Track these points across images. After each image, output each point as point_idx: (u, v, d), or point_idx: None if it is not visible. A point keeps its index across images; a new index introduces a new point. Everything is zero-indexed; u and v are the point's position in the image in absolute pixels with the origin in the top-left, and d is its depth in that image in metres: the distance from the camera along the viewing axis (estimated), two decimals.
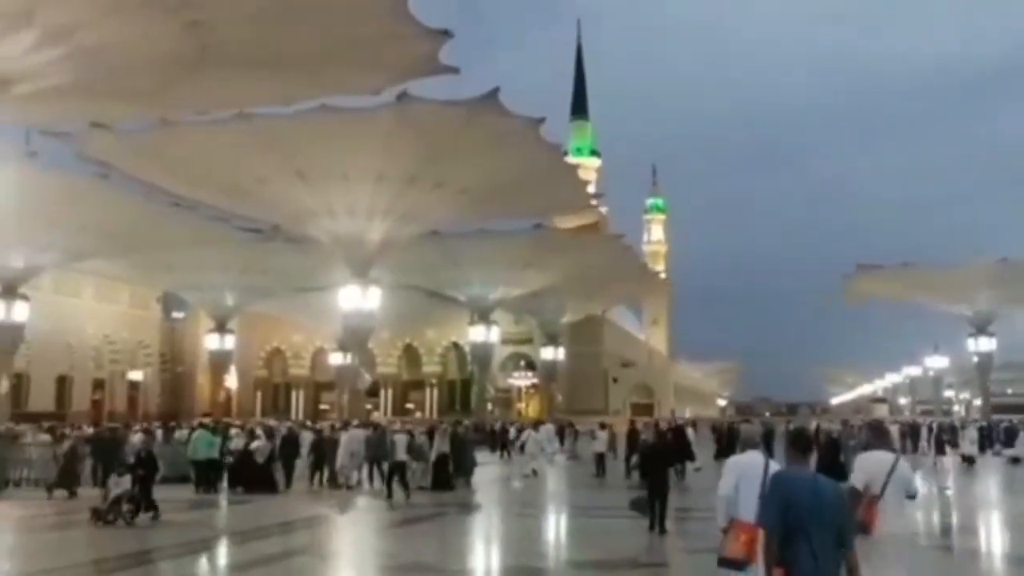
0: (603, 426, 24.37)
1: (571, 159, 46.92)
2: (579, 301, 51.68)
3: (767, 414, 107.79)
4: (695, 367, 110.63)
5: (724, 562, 5.52)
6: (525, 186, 30.00)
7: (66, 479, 19.09)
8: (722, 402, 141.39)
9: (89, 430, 23.68)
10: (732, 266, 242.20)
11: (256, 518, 15.51)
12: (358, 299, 31.05)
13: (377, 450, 20.16)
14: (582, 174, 42.95)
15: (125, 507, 13.82)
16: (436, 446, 19.71)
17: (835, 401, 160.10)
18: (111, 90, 20.13)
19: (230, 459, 20.22)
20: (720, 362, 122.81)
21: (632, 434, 22.88)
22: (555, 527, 15.63)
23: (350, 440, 20.94)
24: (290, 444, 21.46)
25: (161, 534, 13.44)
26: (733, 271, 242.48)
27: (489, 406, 51.39)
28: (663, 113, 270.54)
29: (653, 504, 12.36)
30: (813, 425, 31.56)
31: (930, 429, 35.70)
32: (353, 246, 30.36)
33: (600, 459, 22.99)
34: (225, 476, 20.06)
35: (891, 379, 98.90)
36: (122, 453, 19.58)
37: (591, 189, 43.52)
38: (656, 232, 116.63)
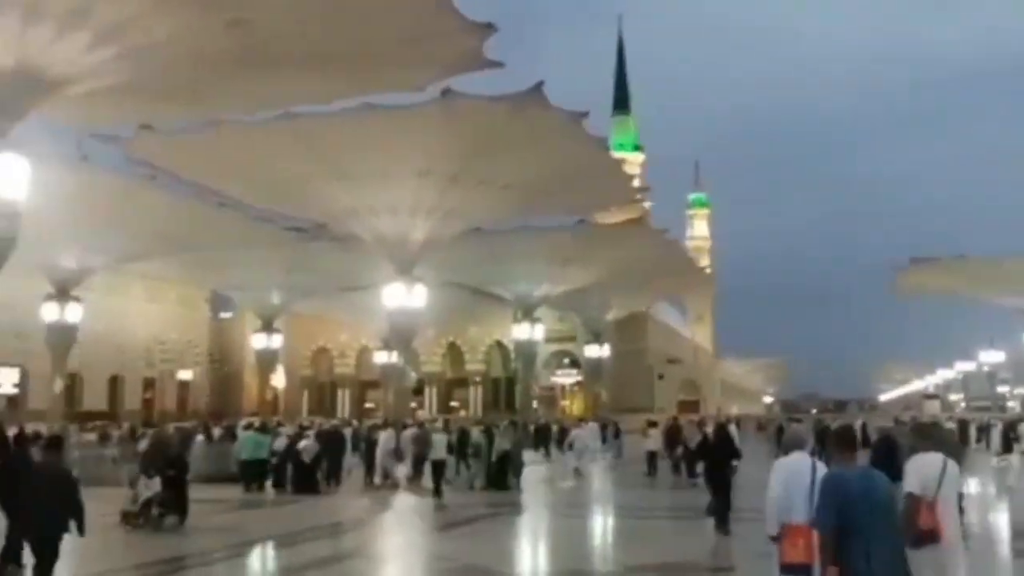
0: (653, 424, 23.90)
1: (614, 154, 46.38)
2: (623, 297, 51.10)
3: (814, 411, 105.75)
4: (740, 364, 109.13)
5: (786, 568, 5.47)
6: (569, 181, 29.56)
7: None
8: (768, 399, 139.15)
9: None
10: (776, 261, 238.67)
11: (303, 519, 15.40)
12: (402, 297, 30.96)
13: (423, 448, 20.16)
14: (626, 169, 42.44)
15: (155, 510, 13.66)
16: (496, 444, 19.49)
17: (884, 398, 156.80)
18: (160, 90, 20.26)
19: (275, 459, 20.07)
20: (765, 359, 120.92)
21: (674, 431, 22.74)
22: (612, 529, 15.31)
23: (389, 439, 20.87)
24: (335, 443, 21.40)
25: (205, 537, 13.30)
26: (777, 266, 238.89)
27: (534, 404, 51.12)
28: (704, 109, 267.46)
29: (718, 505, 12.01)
30: (860, 423, 31.13)
31: (983, 427, 34.83)
32: (396, 244, 30.25)
33: (652, 458, 22.57)
34: (271, 476, 20.03)
35: (943, 375, 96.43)
36: (187, 453, 19.90)
37: (635, 184, 42.77)
38: (699, 227, 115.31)
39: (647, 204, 70.57)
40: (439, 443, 19.22)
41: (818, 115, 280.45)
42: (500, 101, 23.89)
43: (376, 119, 24.20)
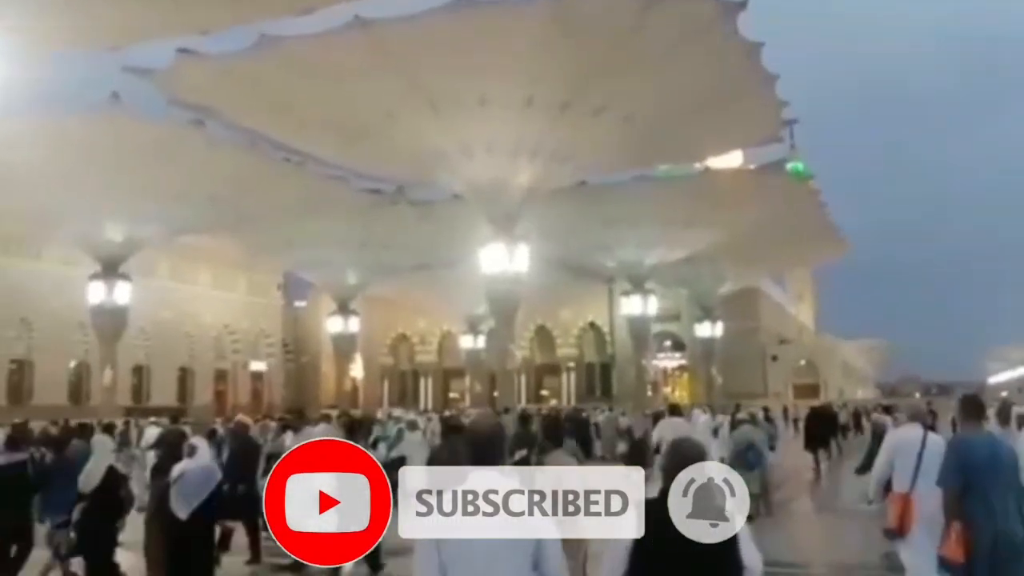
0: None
1: None
2: (739, 268, 44.35)
3: (918, 395, 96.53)
4: (846, 345, 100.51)
5: (885, 532, 6.08)
6: (709, 105, 22.83)
7: None
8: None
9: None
10: (877, 236, 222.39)
11: None
12: (503, 261, 25.43)
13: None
14: None
15: None
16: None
17: (993, 380, 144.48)
18: None
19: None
20: (869, 339, 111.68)
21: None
22: None
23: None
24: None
25: None
26: (878, 241, 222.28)
27: (648, 391, 45.07)
28: (804, 64, 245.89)
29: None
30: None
31: None
32: (494, 194, 24.62)
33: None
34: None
35: None
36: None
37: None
38: None
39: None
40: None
41: (931, 75, 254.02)
42: None
43: (471, 22, 18.61)
